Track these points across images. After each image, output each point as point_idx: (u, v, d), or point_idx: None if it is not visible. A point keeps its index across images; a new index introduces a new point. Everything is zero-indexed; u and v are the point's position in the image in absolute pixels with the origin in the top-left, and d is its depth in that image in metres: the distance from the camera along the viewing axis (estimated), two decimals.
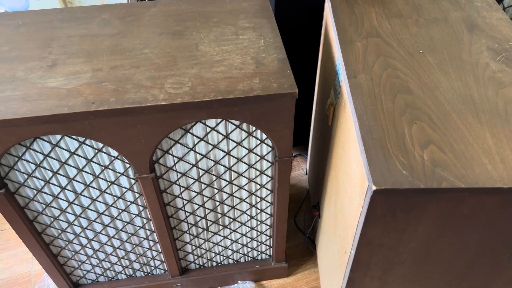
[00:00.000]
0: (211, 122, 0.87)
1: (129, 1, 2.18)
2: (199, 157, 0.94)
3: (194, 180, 0.99)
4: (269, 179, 1.03)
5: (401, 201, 0.66)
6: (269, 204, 1.10)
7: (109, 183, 0.95)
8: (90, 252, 1.14)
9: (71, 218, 1.02)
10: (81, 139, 0.85)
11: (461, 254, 0.78)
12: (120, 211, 1.03)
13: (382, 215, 0.69)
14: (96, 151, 0.87)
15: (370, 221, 0.70)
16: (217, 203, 1.07)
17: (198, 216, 1.09)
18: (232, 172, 0.99)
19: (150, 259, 1.21)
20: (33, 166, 0.88)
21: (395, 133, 0.72)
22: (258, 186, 1.04)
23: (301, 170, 1.66)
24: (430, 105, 0.77)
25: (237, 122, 0.88)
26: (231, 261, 1.30)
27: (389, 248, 0.76)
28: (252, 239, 1.21)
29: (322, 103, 1.17)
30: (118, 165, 0.91)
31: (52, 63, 0.88)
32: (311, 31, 1.27)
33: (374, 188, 0.63)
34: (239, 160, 0.96)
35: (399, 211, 0.68)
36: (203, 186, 1.01)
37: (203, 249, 1.22)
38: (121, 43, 0.92)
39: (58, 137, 0.84)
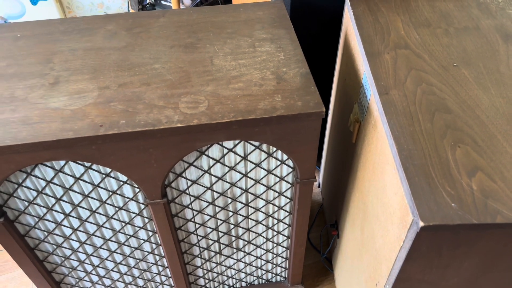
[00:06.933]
0: (229, 143, 0.80)
1: (129, 8, 2.11)
2: (214, 179, 0.86)
3: (208, 203, 0.91)
4: (288, 200, 0.96)
5: (449, 237, 0.59)
6: (286, 226, 1.03)
7: (117, 209, 0.88)
8: (95, 278, 1.07)
9: (75, 245, 0.95)
10: (87, 164, 0.77)
11: None
12: (128, 237, 0.95)
13: (426, 251, 0.62)
14: (104, 176, 0.80)
15: (412, 258, 0.63)
16: (231, 226, 1.00)
17: (210, 239, 1.02)
18: (249, 194, 0.92)
19: (158, 284, 1.13)
20: (35, 193, 0.81)
21: (438, 159, 0.65)
22: (276, 208, 0.97)
23: None
24: (472, 125, 0.70)
25: (256, 143, 0.81)
26: (244, 284, 1.22)
27: (429, 284, 0.69)
28: (267, 261, 1.14)
29: (340, 117, 1.10)
30: (127, 190, 0.84)
31: (54, 80, 0.80)
32: (326, 40, 1.20)
33: (421, 224, 0.56)
34: (257, 181, 0.89)
35: (445, 247, 0.61)
36: (217, 209, 0.94)
37: (215, 272, 1.14)
38: (129, 58, 0.85)
39: (62, 162, 0.76)
